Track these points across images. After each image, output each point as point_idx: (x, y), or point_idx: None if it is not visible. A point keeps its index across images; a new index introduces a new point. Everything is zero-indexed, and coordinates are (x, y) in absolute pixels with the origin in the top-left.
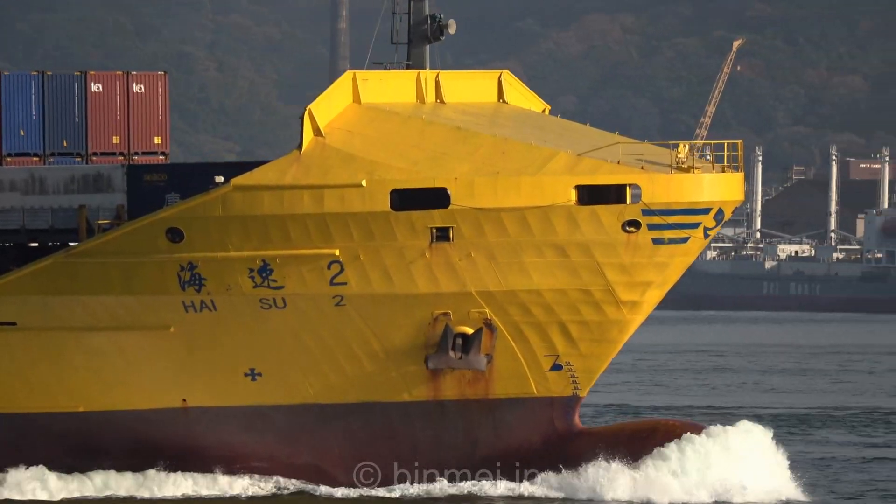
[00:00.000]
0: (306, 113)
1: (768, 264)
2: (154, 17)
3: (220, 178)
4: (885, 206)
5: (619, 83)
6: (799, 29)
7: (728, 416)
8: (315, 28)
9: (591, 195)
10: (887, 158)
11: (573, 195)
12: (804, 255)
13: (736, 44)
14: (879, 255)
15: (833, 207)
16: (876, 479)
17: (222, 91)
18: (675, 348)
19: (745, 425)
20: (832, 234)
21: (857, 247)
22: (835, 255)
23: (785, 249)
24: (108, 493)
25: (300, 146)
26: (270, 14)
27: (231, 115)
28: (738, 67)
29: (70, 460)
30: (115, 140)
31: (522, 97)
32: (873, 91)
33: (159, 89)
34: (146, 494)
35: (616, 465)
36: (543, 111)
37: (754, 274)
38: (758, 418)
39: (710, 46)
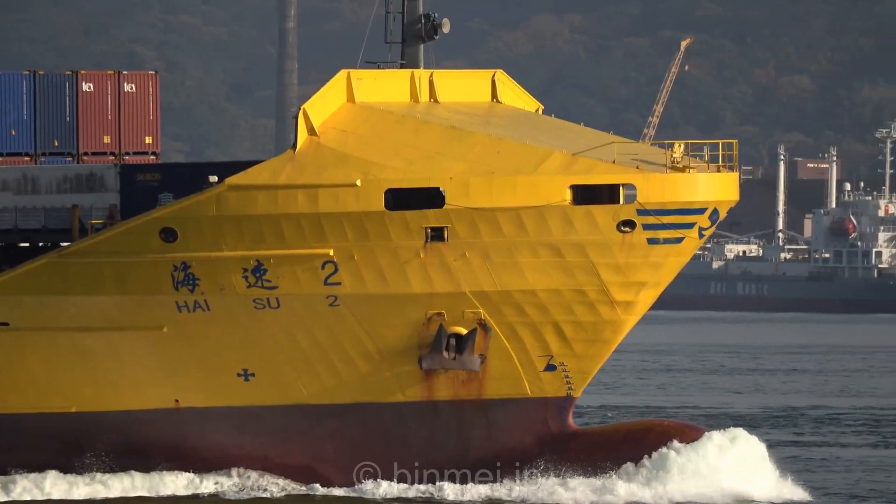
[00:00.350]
0: (300, 112)
1: (716, 264)
2: (103, 17)
3: (214, 178)
4: (833, 205)
5: (567, 83)
6: (747, 29)
7: (672, 417)
8: (263, 28)
9: (585, 195)
10: (835, 158)
11: (568, 195)
12: (752, 254)
13: (684, 43)
14: (827, 255)
15: (781, 207)
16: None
17: (171, 91)
18: (622, 347)
19: (736, 431)
20: (780, 234)
21: (805, 247)
22: (782, 255)
23: (732, 249)
24: (101, 493)
25: (294, 145)
26: (218, 14)
27: (179, 114)
28: (687, 67)
29: (63, 461)
30: (107, 140)
31: (516, 97)
32: (821, 91)
33: (150, 89)
34: (139, 495)
35: (609, 468)
36: (537, 111)
37: (702, 273)
38: (704, 418)
39: (658, 46)
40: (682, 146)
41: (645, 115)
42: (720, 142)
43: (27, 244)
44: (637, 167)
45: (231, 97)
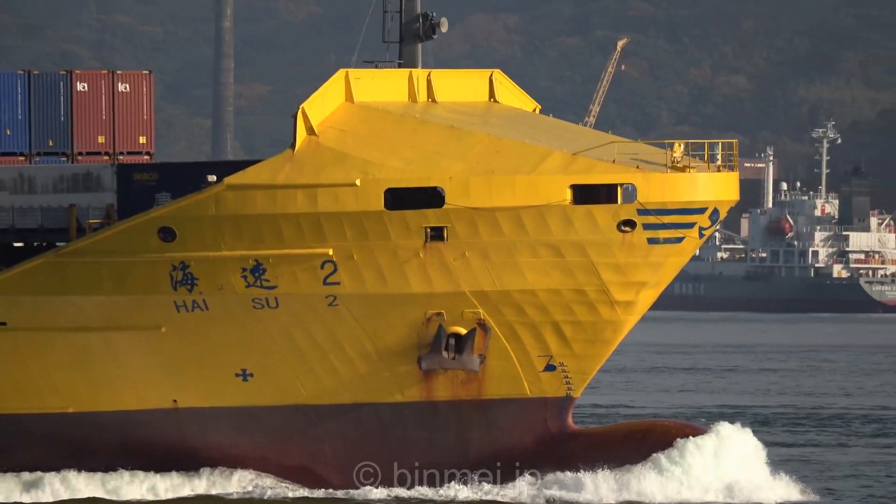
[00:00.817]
0: (299, 112)
1: None
2: (39, 17)
3: (212, 178)
4: (770, 205)
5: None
6: (682, 28)
7: (605, 419)
8: (199, 27)
9: (584, 195)
10: (771, 158)
11: (568, 194)
12: None
13: (620, 43)
14: (764, 255)
15: None
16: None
17: None
18: None
19: (732, 428)
20: (717, 234)
21: (742, 246)
22: (719, 255)
23: None
24: (98, 494)
25: (293, 145)
26: (154, 14)
27: None
28: (623, 67)
29: (60, 461)
30: (101, 139)
31: (513, 96)
32: (757, 91)
33: (144, 89)
34: (136, 496)
35: (607, 468)
36: (534, 110)
37: None
38: (637, 417)
39: (593, 46)
40: (683, 146)
41: (581, 114)
42: (720, 141)
43: (22, 244)
44: (637, 167)
45: (166, 97)
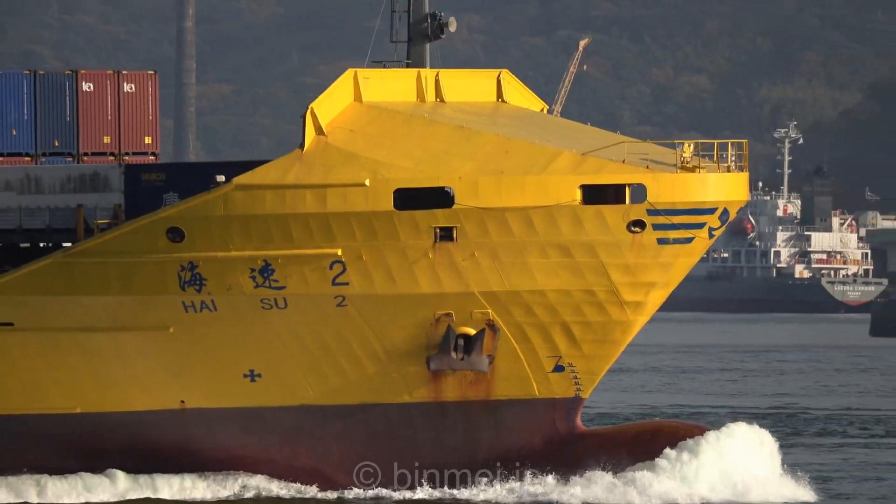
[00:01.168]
0: (308, 111)
1: None
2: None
3: (221, 178)
4: None
5: None
6: (645, 28)
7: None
8: (161, 27)
9: (593, 195)
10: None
11: (578, 195)
12: None
13: (582, 43)
14: (726, 255)
15: None
16: None
17: None
18: None
19: (745, 427)
20: None
21: None
22: None
23: None
24: (105, 495)
25: (302, 145)
26: (116, 14)
27: None
28: (585, 67)
29: (67, 463)
30: (106, 140)
31: (521, 96)
32: (719, 91)
33: (150, 89)
34: (143, 497)
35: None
36: (542, 110)
37: None
38: (598, 416)
39: (556, 46)
40: (692, 146)
41: None
42: (729, 141)
43: (27, 244)
44: (647, 167)
45: None
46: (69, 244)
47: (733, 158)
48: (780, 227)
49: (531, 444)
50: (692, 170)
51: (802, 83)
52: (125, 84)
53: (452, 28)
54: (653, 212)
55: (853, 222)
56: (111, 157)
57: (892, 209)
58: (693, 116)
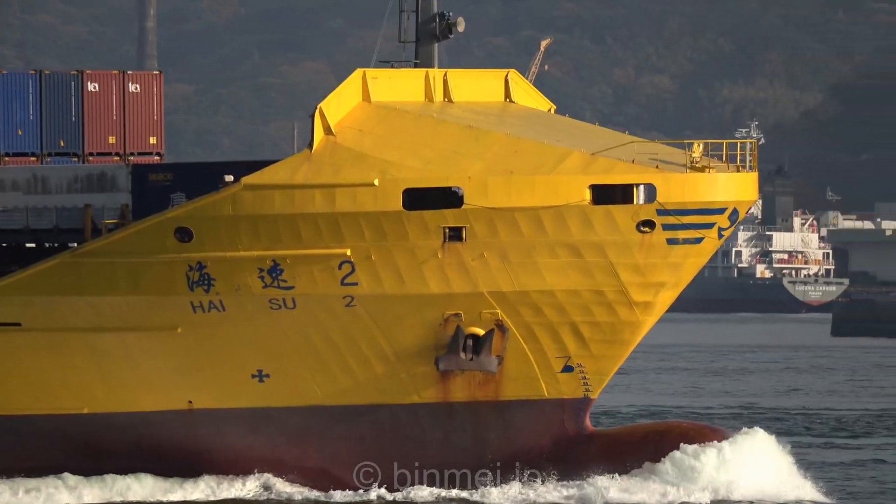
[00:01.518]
0: (317, 111)
1: None
2: None
3: (229, 178)
4: None
5: None
6: (607, 28)
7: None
8: (123, 27)
9: (603, 195)
10: None
11: (588, 195)
12: None
13: (544, 43)
14: None
15: None
16: None
17: None
18: None
19: (755, 431)
20: None
21: None
22: None
23: None
24: (112, 496)
25: (311, 145)
26: (78, 13)
27: None
28: (547, 67)
29: (74, 463)
30: (112, 140)
31: (528, 96)
32: (681, 91)
33: (154, 89)
34: (151, 498)
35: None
36: (549, 110)
37: None
38: None
39: (518, 46)
40: (701, 146)
41: None
42: (738, 141)
43: (33, 245)
44: (657, 167)
45: None
46: (75, 244)
47: (746, 158)
48: (742, 227)
49: (540, 444)
50: (702, 170)
51: (764, 83)
52: (130, 84)
53: (461, 28)
54: (662, 212)
55: (814, 222)
56: (116, 158)
57: (853, 209)
58: (655, 117)
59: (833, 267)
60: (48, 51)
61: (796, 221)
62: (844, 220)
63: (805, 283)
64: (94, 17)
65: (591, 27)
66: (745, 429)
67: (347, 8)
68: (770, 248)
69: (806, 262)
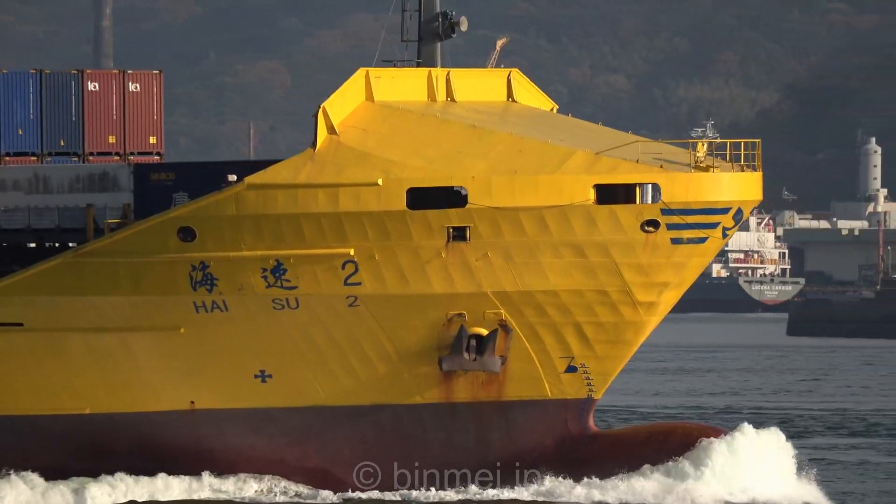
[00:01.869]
0: (320, 111)
1: None
2: None
3: (232, 177)
4: None
5: None
6: (562, 28)
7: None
8: (79, 26)
9: (607, 195)
10: None
11: (592, 194)
12: None
13: (500, 43)
14: None
15: None
16: None
17: None
18: None
19: (762, 429)
20: None
21: None
22: None
23: None
24: (114, 497)
25: (314, 144)
26: (34, 12)
27: None
28: (502, 66)
29: (76, 464)
30: (112, 139)
31: (531, 96)
32: (637, 90)
33: (154, 88)
34: (153, 498)
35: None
36: (552, 110)
37: None
38: None
39: (473, 45)
40: (706, 145)
41: None
42: (742, 141)
43: (34, 244)
44: (661, 166)
45: None
46: (77, 244)
47: (748, 158)
48: None
49: (543, 444)
50: (706, 169)
51: (720, 83)
52: (130, 83)
53: (464, 27)
54: (667, 211)
55: (770, 222)
56: (116, 157)
57: (809, 209)
58: (610, 116)
59: (789, 266)
60: (3, 50)
61: (752, 221)
62: (800, 219)
63: (761, 283)
64: (50, 16)
65: (546, 27)
66: (746, 426)
67: (303, 7)
68: (726, 248)
69: (762, 262)
